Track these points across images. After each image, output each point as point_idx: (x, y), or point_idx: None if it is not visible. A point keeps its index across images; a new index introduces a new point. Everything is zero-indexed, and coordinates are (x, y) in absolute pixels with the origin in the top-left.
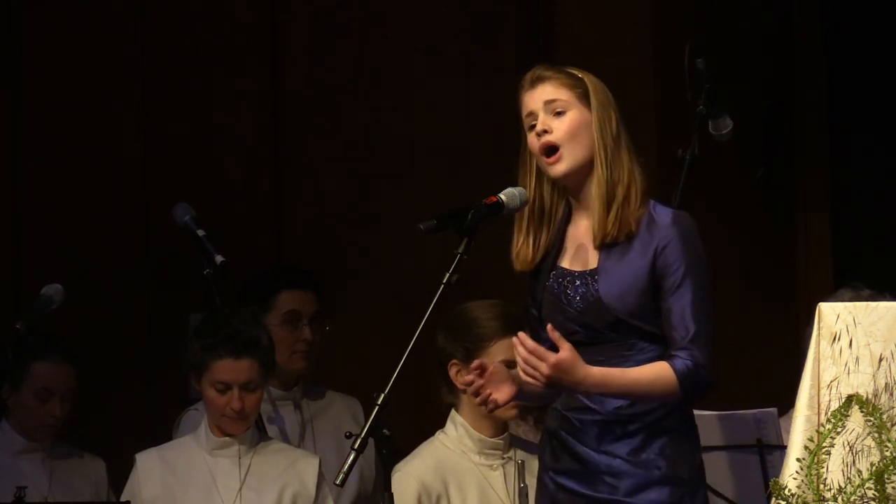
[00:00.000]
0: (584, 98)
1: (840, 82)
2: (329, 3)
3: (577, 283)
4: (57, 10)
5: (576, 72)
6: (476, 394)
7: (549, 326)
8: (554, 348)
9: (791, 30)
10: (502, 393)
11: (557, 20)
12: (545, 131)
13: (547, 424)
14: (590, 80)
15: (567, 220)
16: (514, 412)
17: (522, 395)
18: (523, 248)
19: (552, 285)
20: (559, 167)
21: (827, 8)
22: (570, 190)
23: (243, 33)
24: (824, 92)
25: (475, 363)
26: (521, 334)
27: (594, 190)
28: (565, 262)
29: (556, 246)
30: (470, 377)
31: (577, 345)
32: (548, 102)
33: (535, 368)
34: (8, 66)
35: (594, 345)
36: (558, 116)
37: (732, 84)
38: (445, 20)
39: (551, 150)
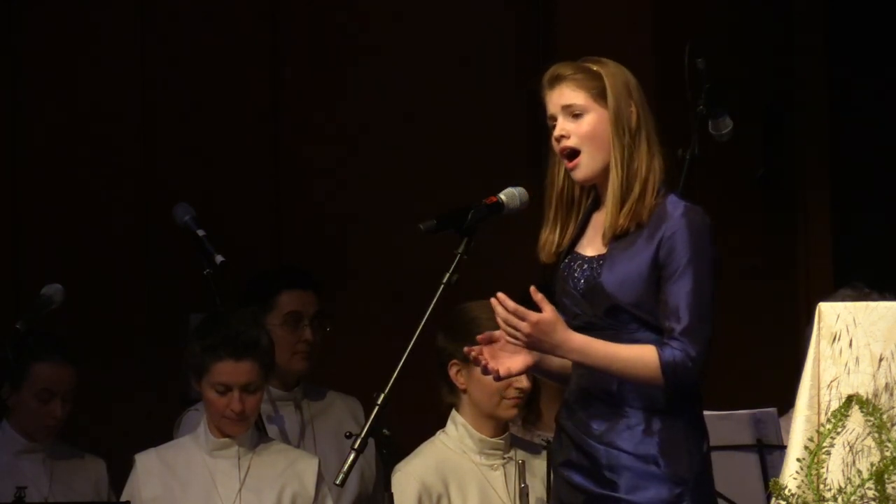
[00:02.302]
0: (602, 97)
1: (840, 82)
2: (329, 3)
3: (585, 266)
4: (57, 10)
5: (594, 65)
6: (483, 367)
7: (532, 288)
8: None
9: (791, 29)
10: (515, 362)
11: (557, 20)
12: (563, 136)
13: (558, 418)
14: (608, 73)
15: (595, 205)
16: (514, 411)
17: (539, 368)
18: (549, 239)
19: (564, 268)
20: (579, 172)
21: (827, 8)
22: (596, 185)
23: (243, 33)
24: (824, 92)
25: (484, 335)
26: (500, 294)
27: (608, 189)
28: (580, 247)
29: (579, 231)
30: (477, 347)
31: (577, 329)
32: (565, 107)
33: (515, 328)
34: (8, 65)
35: (592, 330)
36: (576, 119)
37: (732, 84)
38: (445, 20)
39: (571, 154)
